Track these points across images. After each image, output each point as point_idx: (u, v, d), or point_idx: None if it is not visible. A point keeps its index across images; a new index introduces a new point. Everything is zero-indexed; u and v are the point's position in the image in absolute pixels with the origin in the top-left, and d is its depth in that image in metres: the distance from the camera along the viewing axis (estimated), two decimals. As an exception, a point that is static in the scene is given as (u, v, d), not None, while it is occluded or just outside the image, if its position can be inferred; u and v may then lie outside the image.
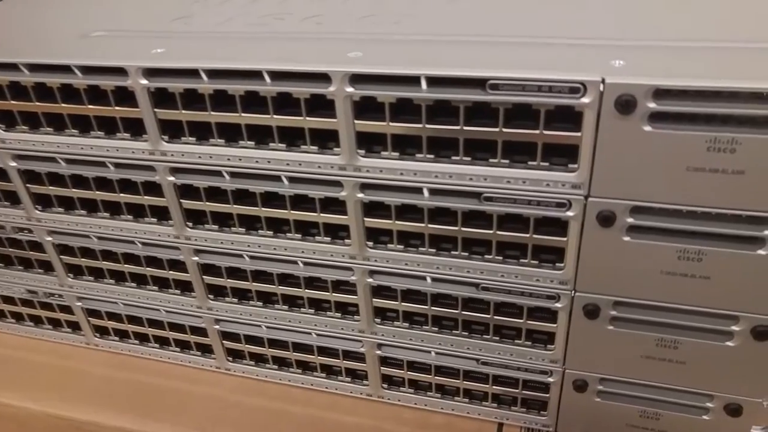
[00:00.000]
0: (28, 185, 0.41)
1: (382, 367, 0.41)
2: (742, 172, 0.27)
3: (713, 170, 0.27)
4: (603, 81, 0.27)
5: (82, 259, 0.44)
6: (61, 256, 0.44)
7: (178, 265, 0.41)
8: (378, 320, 0.39)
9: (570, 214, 0.31)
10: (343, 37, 0.36)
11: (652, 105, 0.27)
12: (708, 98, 0.27)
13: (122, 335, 0.48)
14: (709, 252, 0.30)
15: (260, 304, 0.41)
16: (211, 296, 0.42)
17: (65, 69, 0.35)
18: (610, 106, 0.27)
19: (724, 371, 0.34)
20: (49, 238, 0.43)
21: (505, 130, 0.29)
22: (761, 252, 0.29)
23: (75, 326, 0.49)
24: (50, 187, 0.40)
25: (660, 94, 0.27)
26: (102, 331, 0.48)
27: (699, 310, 0.32)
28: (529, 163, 0.30)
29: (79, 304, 0.46)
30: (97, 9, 0.46)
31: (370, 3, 0.42)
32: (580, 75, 0.27)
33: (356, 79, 0.30)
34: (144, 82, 0.33)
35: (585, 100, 0.27)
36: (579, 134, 0.28)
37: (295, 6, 0.43)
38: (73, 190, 0.40)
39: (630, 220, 0.30)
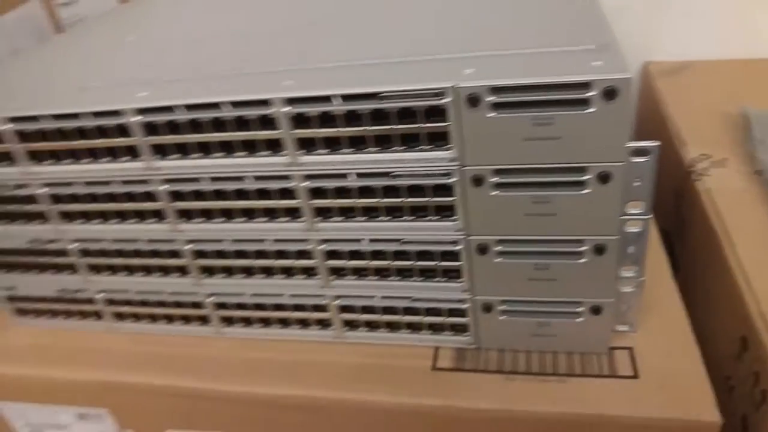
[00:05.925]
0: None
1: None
2: (559, 138, 0.39)
3: (540, 138, 0.40)
4: (456, 86, 0.39)
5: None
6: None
7: (176, 255, 0.53)
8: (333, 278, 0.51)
9: (453, 179, 0.43)
10: (275, 70, 0.47)
11: (491, 98, 0.38)
12: (529, 90, 0.38)
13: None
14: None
15: (243, 275, 0.53)
16: (204, 275, 0.54)
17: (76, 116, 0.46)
18: (464, 102, 0.39)
19: (584, 282, 0.46)
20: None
21: (398, 126, 0.41)
22: (586, 191, 0.42)
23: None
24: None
25: (496, 90, 0.38)
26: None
27: (557, 239, 0.44)
28: (419, 147, 0.42)
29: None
30: (76, 65, 0.58)
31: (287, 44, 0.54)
32: (441, 83, 0.39)
33: (291, 101, 0.42)
34: (139, 118, 0.45)
35: (446, 100, 0.39)
36: (448, 123, 0.40)
37: (230, 49, 0.54)
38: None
39: (495, 179, 0.42)
